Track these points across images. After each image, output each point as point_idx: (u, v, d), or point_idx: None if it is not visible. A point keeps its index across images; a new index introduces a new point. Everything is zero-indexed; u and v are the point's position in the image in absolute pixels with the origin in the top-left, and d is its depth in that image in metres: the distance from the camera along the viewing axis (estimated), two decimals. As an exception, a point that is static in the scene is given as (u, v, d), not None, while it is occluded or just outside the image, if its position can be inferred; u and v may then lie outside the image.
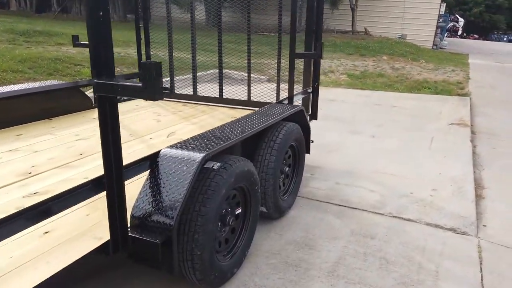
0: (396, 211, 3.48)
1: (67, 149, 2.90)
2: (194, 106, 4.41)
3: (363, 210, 3.49)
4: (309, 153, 3.77)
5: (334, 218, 3.32)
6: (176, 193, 1.96)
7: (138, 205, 1.99)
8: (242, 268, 2.61)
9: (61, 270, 1.63)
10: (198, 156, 2.06)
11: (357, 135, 5.70)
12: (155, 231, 1.94)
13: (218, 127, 2.62)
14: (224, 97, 4.44)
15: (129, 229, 1.93)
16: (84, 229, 1.94)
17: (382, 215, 3.40)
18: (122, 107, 4.26)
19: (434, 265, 2.75)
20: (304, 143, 3.51)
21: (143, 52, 4.65)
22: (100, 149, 1.72)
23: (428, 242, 3.02)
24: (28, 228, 1.68)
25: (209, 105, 4.44)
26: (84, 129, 3.41)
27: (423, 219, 3.36)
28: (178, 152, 2.11)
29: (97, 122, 1.68)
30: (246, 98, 4.31)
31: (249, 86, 4.25)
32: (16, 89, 3.36)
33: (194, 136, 2.39)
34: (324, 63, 11.47)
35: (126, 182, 1.87)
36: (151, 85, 1.55)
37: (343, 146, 5.21)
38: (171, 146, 2.19)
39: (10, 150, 2.83)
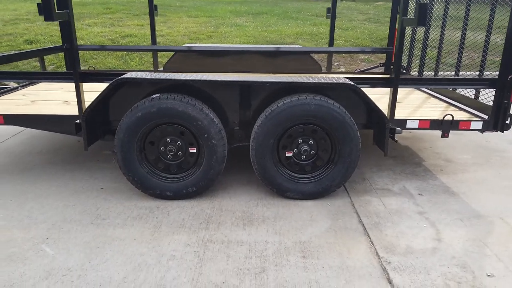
0: None
1: None
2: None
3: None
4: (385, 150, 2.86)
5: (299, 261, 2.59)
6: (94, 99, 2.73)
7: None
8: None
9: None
10: (119, 78, 2.66)
11: None
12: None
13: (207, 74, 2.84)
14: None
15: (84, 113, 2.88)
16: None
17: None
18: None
19: None
20: (347, 128, 2.76)
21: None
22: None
23: None
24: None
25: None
26: None
27: None
28: (126, 74, 2.75)
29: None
30: None
31: None
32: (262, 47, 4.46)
33: (162, 71, 2.83)
34: None
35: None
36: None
37: None
38: (137, 72, 2.84)
39: None
